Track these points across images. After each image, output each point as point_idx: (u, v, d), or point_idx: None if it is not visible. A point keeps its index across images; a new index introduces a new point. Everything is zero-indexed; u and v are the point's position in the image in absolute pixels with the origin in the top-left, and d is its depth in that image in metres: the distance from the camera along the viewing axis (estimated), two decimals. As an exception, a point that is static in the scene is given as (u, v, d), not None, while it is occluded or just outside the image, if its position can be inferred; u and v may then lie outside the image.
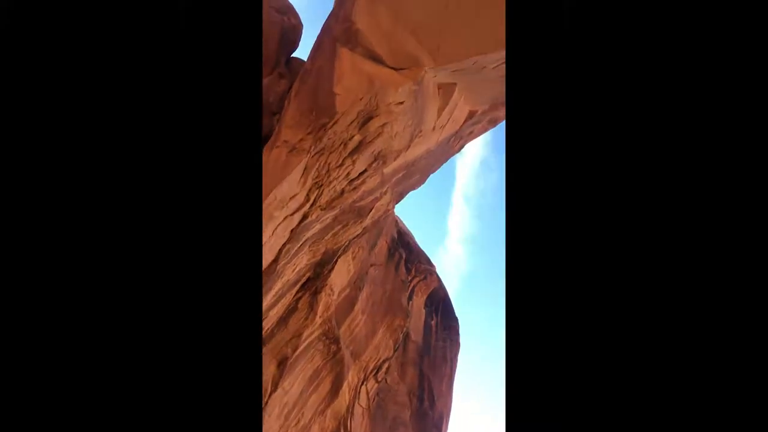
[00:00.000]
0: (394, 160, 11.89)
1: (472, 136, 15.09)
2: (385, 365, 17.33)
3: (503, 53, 10.20)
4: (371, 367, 16.65)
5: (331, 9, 10.49)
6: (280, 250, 10.69)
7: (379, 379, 17.06)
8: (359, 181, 11.56)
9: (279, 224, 9.99)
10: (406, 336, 18.76)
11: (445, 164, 16.27)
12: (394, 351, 17.84)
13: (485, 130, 14.89)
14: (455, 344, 22.28)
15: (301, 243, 11.43)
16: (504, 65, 10.76)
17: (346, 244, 13.83)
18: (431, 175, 15.79)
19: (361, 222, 13.40)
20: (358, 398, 15.81)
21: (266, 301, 11.43)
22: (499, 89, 12.01)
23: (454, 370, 21.66)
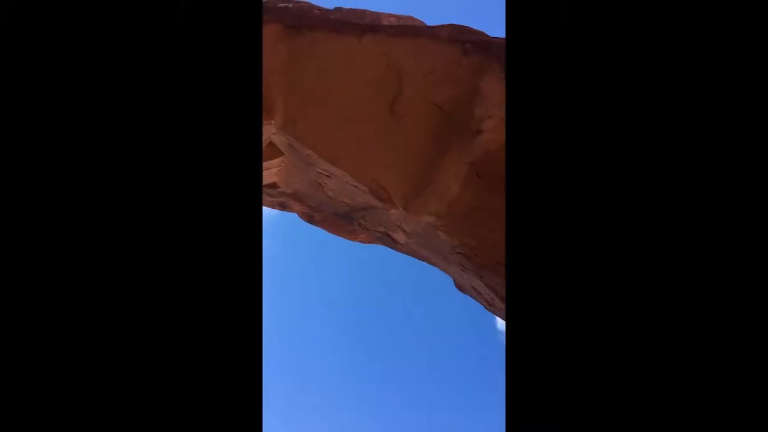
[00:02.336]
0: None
1: (263, 203, 15.38)
2: None
3: (339, 171, 11.31)
4: None
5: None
6: None
7: None
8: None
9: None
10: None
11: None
12: None
13: (273, 206, 15.42)
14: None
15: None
16: (330, 179, 11.88)
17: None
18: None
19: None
20: None
21: None
22: (313, 195, 12.91)
23: None
